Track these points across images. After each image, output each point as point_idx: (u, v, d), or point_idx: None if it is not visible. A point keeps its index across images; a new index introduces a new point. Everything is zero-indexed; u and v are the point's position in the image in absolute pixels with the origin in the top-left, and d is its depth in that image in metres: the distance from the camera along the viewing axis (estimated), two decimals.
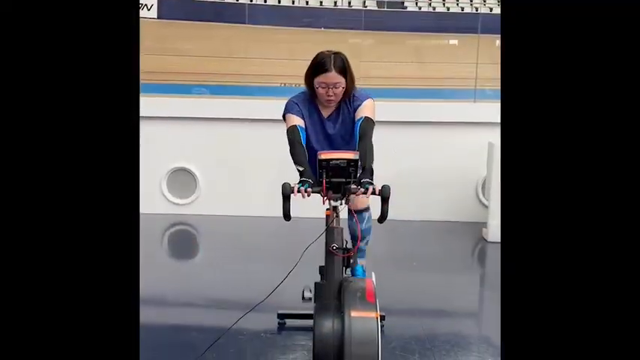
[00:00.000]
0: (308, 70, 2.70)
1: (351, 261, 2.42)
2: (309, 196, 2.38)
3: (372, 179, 2.49)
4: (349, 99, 2.75)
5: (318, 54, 2.69)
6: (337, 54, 2.67)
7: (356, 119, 2.72)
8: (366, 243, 3.02)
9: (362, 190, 2.33)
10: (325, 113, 2.80)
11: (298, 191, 2.37)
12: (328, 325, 2.17)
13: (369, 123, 2.68)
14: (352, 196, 2.56)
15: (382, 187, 2.34)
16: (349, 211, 2.77)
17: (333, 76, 2.63)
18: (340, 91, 2.67)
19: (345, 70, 2.65)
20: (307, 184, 2.39)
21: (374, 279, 2.39)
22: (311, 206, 2.62)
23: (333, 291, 2.29)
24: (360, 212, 2.85)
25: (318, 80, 2.65)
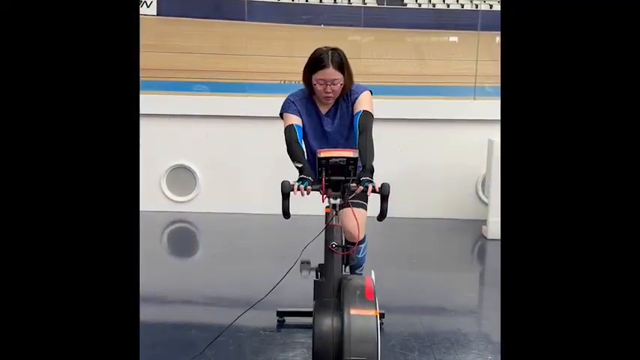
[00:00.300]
0: (306, 66, 2.68)
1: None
2: (308, 194, 2.37)
3: (372, 178, 2.49)
4: (347, 94, 2.73)
5: (315, 50, 2.66)
6: (335, 50, 2.64)
7: (354, 113, 2.70)
8: (361, 271, 2.97)
9: (361, 187, 2.33)
10: (323, 110, 2.78)
11: (298, 189, 2.36)
12: (328, 322, 2.16)
13: (368, 116, 2.66)
14: (348, 224, 2.57)
15: (382, 185, 2.33)
16: (345, 242, 2.65)
17: (331, 73, 2.61)
18: (338, 88, 2.65)
19: (342, 66, 2.63)
20: (307, 182, 2.39)
21: (373, 277, 2.38)
22: (310, 204, 2.62)
23: (332, 289, 2.28)
24: (353, 245, 2.58)
25: (315, 77, 2.63)
